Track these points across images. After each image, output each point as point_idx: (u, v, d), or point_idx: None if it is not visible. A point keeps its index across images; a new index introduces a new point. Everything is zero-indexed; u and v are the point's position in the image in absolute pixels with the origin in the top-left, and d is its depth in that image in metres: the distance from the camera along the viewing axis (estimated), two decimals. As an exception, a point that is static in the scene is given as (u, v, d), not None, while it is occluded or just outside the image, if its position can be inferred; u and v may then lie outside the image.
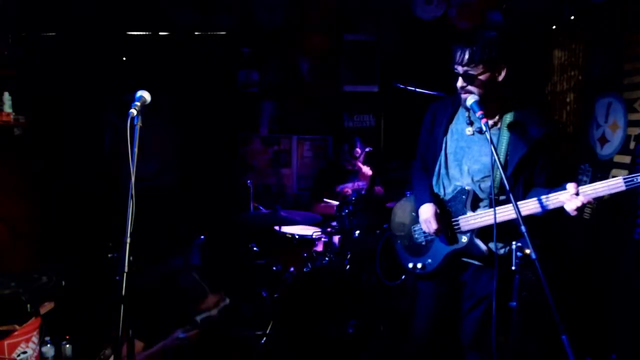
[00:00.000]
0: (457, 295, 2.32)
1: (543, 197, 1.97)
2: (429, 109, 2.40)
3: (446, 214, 2.24)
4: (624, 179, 1.76)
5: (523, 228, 1.72)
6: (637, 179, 1.74)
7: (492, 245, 2.12)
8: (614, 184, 1.79)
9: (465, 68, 2.05)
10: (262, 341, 3.32)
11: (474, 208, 2.18)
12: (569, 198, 1.88)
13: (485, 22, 4.00)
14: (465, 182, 2.20)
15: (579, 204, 1.87)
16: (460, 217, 2.20)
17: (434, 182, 2.34)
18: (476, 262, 2.24)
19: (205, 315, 2.44)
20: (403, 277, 3.46)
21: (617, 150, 3.12)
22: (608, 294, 3.12)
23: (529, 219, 2.00)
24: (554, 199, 1.94)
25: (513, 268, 1.89)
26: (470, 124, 2.21)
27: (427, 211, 2.23)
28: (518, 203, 1.86)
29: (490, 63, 2.04)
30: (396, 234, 2.49)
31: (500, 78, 2.07)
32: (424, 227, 2.27)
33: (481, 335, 2.23)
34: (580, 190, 1.87)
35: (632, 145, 2.96)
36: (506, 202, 2.06)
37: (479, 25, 3.96)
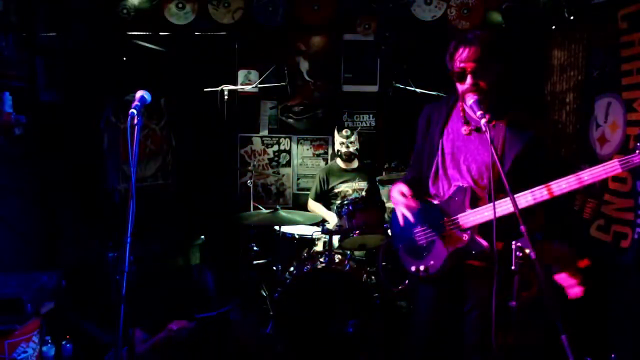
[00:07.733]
0: (458, 296, 2.32)
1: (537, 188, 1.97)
2: (423, 111, 2.40)
3: (445, 212, 2.24)
4: (619, 160, 1.77)
5: (523, 227, 1.72)
6: (632, 160, 1.74)
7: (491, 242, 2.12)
8: (610, 167, 1.80)
9: (475, 64, 2.05)
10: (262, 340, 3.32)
11: (473, 206, 2.18)
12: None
13: (485, 22, 4.02)
14: (465, 182, 2.21)
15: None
16: (459, 215, 2.20)
17: (431, 184, 2.33)
18: (477, 264, 2.24)
19: (205, 315, 2.44)
20: (407, 281, 3.46)
21: (616, 150, 3.13)
22: (607, 293, 3.12)
23: (529, 219, 1.99)
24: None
25: (513, 268, 1.89)
26: (466, 123, 2.21)
27: (397, 188, 2.27)
28: (515, 196, 1.85)
29: (497, 58, 2.05)
30: (397, 238, 2.49)
31: (504, 73, 2.08)
32: (394, 205, 2.30)
33: (483, 335, 2.22)
34: (579, 175, 1.86)
35: (631, 144, 2.96)
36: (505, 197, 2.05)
37: (480, 25, 3.99)
